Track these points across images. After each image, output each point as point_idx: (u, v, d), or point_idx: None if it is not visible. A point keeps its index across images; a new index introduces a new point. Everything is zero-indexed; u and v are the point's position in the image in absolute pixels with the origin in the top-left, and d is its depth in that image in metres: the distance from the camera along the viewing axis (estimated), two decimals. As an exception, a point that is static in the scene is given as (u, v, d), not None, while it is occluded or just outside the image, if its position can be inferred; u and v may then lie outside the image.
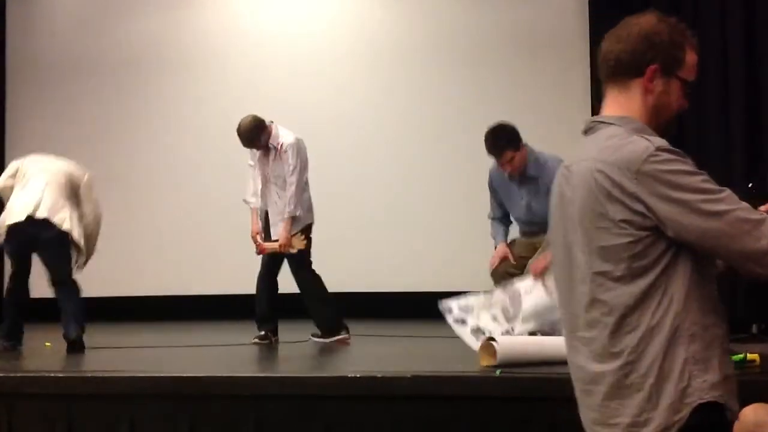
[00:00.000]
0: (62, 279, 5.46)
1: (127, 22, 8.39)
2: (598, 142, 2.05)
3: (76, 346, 5.34)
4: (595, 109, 7.15)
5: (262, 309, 5.70)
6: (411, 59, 7.96)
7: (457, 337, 5.56)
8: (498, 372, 3.84)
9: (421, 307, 7.42)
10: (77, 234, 5.49)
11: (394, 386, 3.83)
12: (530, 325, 4.69)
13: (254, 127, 5.66)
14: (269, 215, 5.77)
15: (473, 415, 3.74)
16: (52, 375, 4.15)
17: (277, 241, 5.64)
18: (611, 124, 2.08)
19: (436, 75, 7.89)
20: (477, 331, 4.67)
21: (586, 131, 2.14)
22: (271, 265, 5.74)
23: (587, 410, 2.11)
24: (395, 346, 5.45)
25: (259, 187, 5.77)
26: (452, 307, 4.69)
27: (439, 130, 7.85)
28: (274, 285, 5.76)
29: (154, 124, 8.28)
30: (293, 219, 5.63)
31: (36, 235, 5.38)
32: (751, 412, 2.88)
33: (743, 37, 6.59)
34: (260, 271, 5.78)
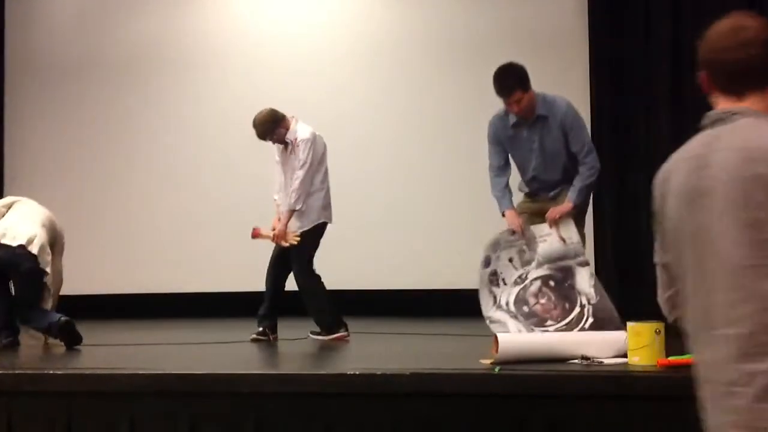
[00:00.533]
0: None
1: (126, 22, 8.39)
2: (741, 133, 1.96)
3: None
4: (595, 108, 7.17)
5: (264, 306, 5.69)
6: (410, 59, 7.96)
7: (455, 335, 5.59)
8: (497, 369, 3.84)
9: (422, 305, 7.50)
10: (49, 282, 5.58)
11: (394, 383, 3.83)
12: (543, 270, 4.83)
13: (268, 120, 5.68)
14: (280, 208, 5.77)
15: (473, 413, 3.74)
16: (52, 372, 4.15)
17: (274, 230, 5.66)
18: (748, 115, 2.00)
19: (435, 74, 7.90)
20: (493, 276, 4.95)
21: (714, 122, 2.05)
22: (279, 263, 5.72)
23: (725, 413, 1.95)
24: (395, 344, 5.45)
25: (282, 182, 5.78)
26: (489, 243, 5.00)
27: (438, 129, 7.85)
28: (281, 283, 5.74)
29: (153, 124, 8.28)
30: (292, 212, 5.63)
31: (19, 263, 5.42)
32: None
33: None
34: (268, 268, 5.75)
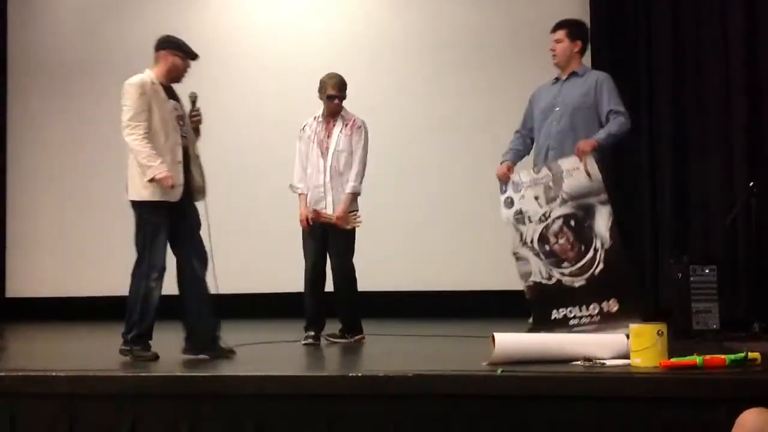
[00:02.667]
0: None
1: (128, 23, 8.38)
2: None
3: None
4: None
5: (310, 310, 5.60)
6: (414, 59, 7.96)
7: (459, 336, 5.59)
8: (499, 371, 3.84)
9: (426, 307, 7.50)
10: None
11: (396, 385, 3.83)
12: (566, 209, 4.92)
13: (344, 82, 5.71)
14: (326, 190, 5.58)
15: (475, 414, 3.74)
16: (54, 374, 4.15)
17: (332, 215, 5.54)
18: None
19: (439, 75, 7.90)
20: (519, 215, 5.06)
21: None
22: (317, 265, 5.62)
23: None
24: (398, 345, 5.46)
25: (315, 165, 5.61)
26: (512, 179, 5.14)
27: (446, 130, 7.83)
28: (323, 286, 5.67)
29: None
30: (354, 195, 5.58)
31: None
32: (750, 417, 2.83)
33: (744, 36, 6.60)
34: (307, 271, 5.64)
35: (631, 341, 4.02)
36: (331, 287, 5.69)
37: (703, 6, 6.84)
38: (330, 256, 5.66)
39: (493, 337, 4.13)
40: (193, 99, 5.01)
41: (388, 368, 4.06)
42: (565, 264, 4.93)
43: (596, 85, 5.17)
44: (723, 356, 3.87)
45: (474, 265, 7.26)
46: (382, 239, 7.70)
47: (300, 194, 5.70)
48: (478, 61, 7.82)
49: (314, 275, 5.61)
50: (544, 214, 4.98)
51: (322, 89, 5.69)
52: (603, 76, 5.26)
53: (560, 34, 5.26)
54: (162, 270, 4.80)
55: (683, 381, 3.69)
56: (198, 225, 4.91)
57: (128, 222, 8.08)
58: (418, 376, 3.88)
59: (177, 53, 4.96)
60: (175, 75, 4.97)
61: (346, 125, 5.65)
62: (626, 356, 4.05)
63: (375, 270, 7.56)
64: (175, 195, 4.77)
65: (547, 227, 4.98)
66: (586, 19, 7.32)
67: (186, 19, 8.23)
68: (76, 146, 8.43)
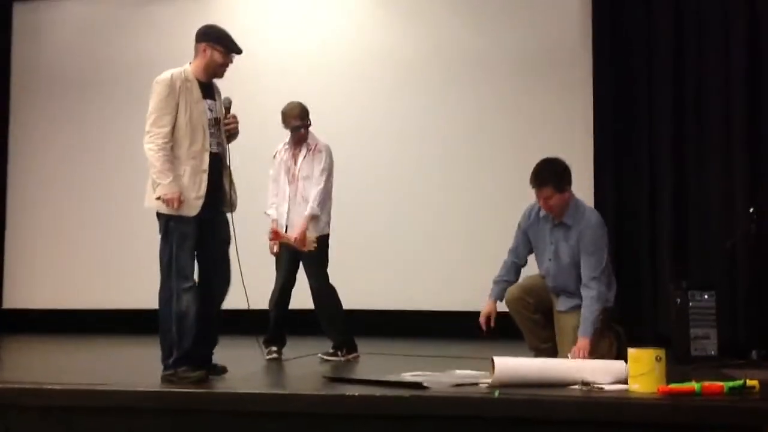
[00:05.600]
0: None
1: (132, 36, 8.41)
2: None
3: None
4: (597, 127, 7.18)
5: (272, 328, 5.71)
6: (415, 76, 7.96)
7: (459, 357, 5.58)
8: (497, 393, 3.83)
9: (425, 326, 7.49)
10: None
11: (393, 405, 3.83)
12: None
13: (303, 112, 5.73)
14: (290, 214, 5.70)
15: (471, 436, 3.73)
16: (50, 387, 4.14)
17: (289, 237, 5.62)
18: None
19: (441, 90, 7.89)
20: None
21: None
22: (284, 287, 5.72)
23: None
24: (398, 365, 5.43)
25: (283, 192, 5.72)
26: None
27: (444, 145, 7.83)
28: (287, 305, 5.75)
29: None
30: (313, 217, 5.62)
31: None
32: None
33: (747, 59, 6.61)
34: (273, 290, 5.74)
35: (630, 366, 4.01)
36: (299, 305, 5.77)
37: (707, 22, 6.83)
38: (307, 277, 5.73)
39: (492, 360, 4.12)
40: (228, 105, 4.65)
41: (386, 388, 4.05)
42: None
43: (579, 241, 4.96)
44: (721, 383, 3.86)
45: (480, 283, 7.22)
46: (387, 258, 7.70)
47: (272, 220, 5.80)
48: (480, 79, 7.83)
49: (279, 295, 5.72)
50: None
51: (285, 120, 5.77)
52: (588, 233, 4.97)
53: (547, 191, 4.93)
54: (194, 283, 4.43)
55: (681, 407, 3.68)
56: (225, 241, 4.60)
57: (127, 235, 8.16)
58: (415, 397, 3.87)
59: (217, 47, 4.54)
60: (213, 71, 4.57)
61: (310, 151, 5.75)
62: (625, 382, 4.04)
63: (376, 288, 7.60)
64: (195, 208, 4.42)
65: None
66: (588, 34, 7.36)
67: (189, 34, 8.25)
68: (76, 159, 8.44)
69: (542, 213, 5.11)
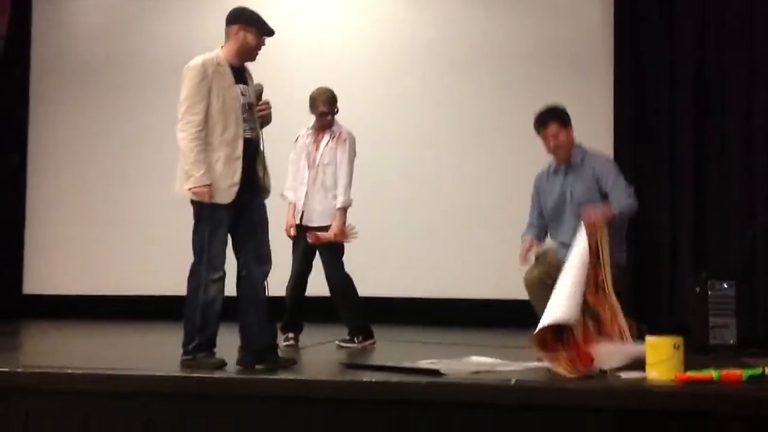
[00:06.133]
0: None
1: (151, 26, 8.44)
2: None
3: None
4: (617, 122, 7.14)
5: (288, 314, 5.70)
6: (431, 70, 7.93)
7: (476, 345, 5.57)
8: (513, 380, 3.83)
9: (444, 314, 7.49)
10: None
11: (408, 392, 3.83)
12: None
13: (334, 96, 5.70)
14: (308, 200, 5.67)
15: (487, 423, 3.73)
16: (70, 372, 4.17)
17: (329, 234, 5.60)
18: None
19: (456, 83, 7.88)
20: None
21: None
22: (300, 273, 5.71)
23: None
24: (414, 352, 5.42)
25: (302, 177, 5.71)
26: None
27: (457, 140, 7.83)
28: (303, 291, 5.74)
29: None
30: (345, 209, 5.63)
31: None
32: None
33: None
34: (290, 276, 5.72)
35: (648, 354, 3.99)
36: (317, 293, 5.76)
37: (729, 18, 6.78)
38: (323, 265, 5.73)
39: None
40: (259, 91, 4.54)
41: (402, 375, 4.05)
42: None
43: (597, 177, 4.96)
44: (739, 371, 3.84)
45: (497, 273, 7.20)
46: (406, 246, 7.70)
47: (289, 203, 5.77)
48: (498, 72, 7.80)
49: (295, 282, 5.71)
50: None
51: (313, 105, 5.72)
52: (600, 165, 5.03)
53: (554, 128, 4.98)
54: (223, 273, 4.38)
55: (699, 395, 3.66)
56: (262, 223, 4.49)
57: (146, 220, 8.20)
58: (430, 383, 3.87)
59: (250, 29, 4.42)
60: (246, 54, 4.46)
61: (333, 138, 5.72)
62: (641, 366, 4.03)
63: (392, 275, 7.61)
64: (228, 196, 4.34)
65: None
66: (610, 27, 7.31)
67: (208, 23, 8.25)
68: (95, 145, 8.48)
69: (551, 169, 5.12)
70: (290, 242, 5.79)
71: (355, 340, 5.64)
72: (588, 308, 4.52)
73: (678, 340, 3.96)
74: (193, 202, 4.39)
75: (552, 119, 5.01)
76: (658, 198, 6.96)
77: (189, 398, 4.00)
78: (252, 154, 4.42)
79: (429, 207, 7.81)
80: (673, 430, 3.60)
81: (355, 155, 5.74)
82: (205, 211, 4.34)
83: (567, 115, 5.08)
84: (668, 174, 6.96)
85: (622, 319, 4.50)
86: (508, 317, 6.79)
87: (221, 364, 4.30)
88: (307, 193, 5.70)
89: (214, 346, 4.38)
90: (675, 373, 3.86)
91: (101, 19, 8.61)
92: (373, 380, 3.93)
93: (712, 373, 3.79)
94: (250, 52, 4.48)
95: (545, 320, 4.31)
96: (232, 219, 4.38)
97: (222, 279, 4.37)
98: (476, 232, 7.62)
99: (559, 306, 4.34)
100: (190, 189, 4.29)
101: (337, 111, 5.75)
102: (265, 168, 4.52)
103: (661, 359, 3.91)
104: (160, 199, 8.31)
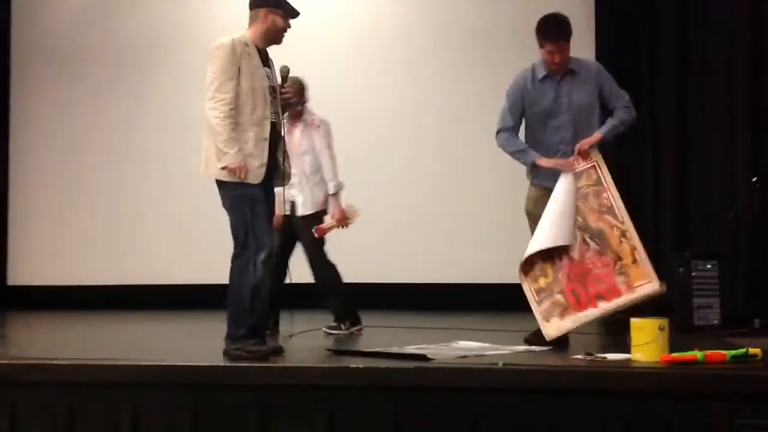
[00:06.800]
0: None
1: (132, 12, 8.37)
2: None
3: None
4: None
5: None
6: (416, 54, 7.91)
7: (463, 329, 5.59)
8: (501, 363, 3.85)
9: (434, 298, 7.50)
10: None
11: (397, 377, 3.84)
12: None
13: (302, 86, 5.65)
14: (290, 191, 5.61)
15: (475, 407, 3.75)
16: (55, 363, 4.16)
17: (332, 221, 5.65)
18: None
19: (444, 68, 7.86)
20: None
21: None
22: (281, 262, 5.63)
23: None
24: (402, 338, 5.44)
25: None
26: None
27: (454, 124, 7.81)
28: (284, 275, 5.68)
29: (159, 113, 8.25)
30: (338, 193, 5.65)
31: None
32: None
33: (750, 31, 6.58)
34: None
35: (633, 336, 4.02)
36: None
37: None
38: (306, 254, 5.73)
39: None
40: (285, 74, 4.49)
41: (390, 360, 4.06)
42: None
43: (598, 80, 4.97)
44: (724, 352, 3.87)
45: (497, 259, 7.21)
46: (392, 230, 7.70)
47: None
48: (481, 54, 7.79)
49: (274, 271, 5.64)
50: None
51: None
52: (599, 69, 5.06)
53: (567, 45, 4.88)
54: (271, 251, 4.28)
55: (684, 376, 3.69)
56: (272, 212, 4.46)
57: (132, 210, 8.16)
58: (419, 368, 3.89)
59: (278, 11, 4.38)
60: (273, 37, 4.41)
61: (307, 127, 5.71)
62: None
63: (388, 262, 7.61)
64: (258, 176, 4.25)
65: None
66: (591, 4, 7.31)
67: (192, 10, 8.22)
68: (79, 134, 8.42)
69: (540, 75, 4.97)
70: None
71: (342, 326, 5.64)
72: (589, 228, 4.65)
73: (663, 321, 3.98)
74: (223, 184, 4.27)
75: (569, 38, 4.89)
76: (641, 178, 6.98)
77: (176, 388, 3.99)
78: (275, 138, 4.36)
79: (413, 192, 7.81)
80: (658, 411, 3.63)
81: (332, 139, 5.72)
82: (239, 192, 4.23)
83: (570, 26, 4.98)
84: (651, 154, 6.98)
85: (635, 239, 4.59)
86: (494, 301, 6.82)
87: (278, 351, 4.24)
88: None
89: (264, 331, 4.32)
90: (660, 355, 3.89)
91: (82, 5, 8.53)
92: (361, 366, 3.93)
93: (697, 354, 3.82)
94: (277, 35, 4.43)
95: (532, 248, 4.47)
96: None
97: (270, 258, 4.28)
98: (461, 217, 7.64)
99: (544, 233, 4.56)
100: (224, 168, 4.18)
101: (307, 100, 5.71)
102: (285, 154, 4.46)
103: (646, 341, 3.94)
104: (147, 187, 8.30)
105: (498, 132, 5.05)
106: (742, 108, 6.59)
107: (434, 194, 7.78)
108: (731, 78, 6.68)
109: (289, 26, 4.44)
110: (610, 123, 4.94)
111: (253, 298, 4.21)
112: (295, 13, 4.45)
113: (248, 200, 4.23)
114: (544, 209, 4.81)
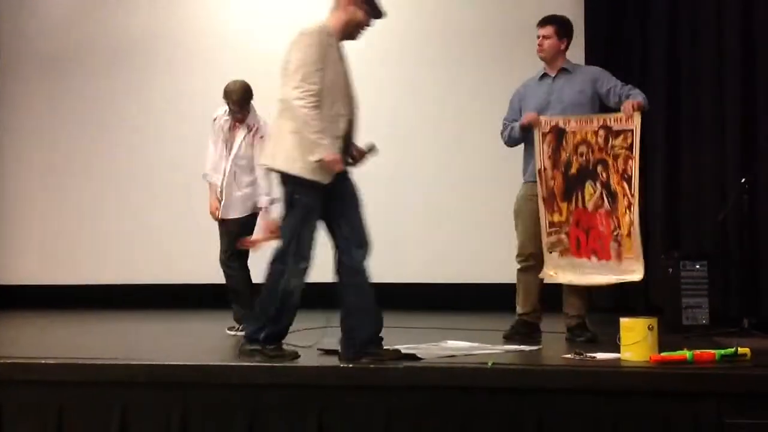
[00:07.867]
0: None
1: (120, 13, 8.32)
2: None
3: None
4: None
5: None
6: (420, 53, 7.85)
7: (452, 329, 5.59)
8: (490, 363, 3.85)
9: (421, 299, 7.49)
10: None
11: (386, 376, 3.85)
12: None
13: (249, 91, 5.47)
14: (225, 192, 5.57)
15: (465, 406, 3.75)
16: (44, 362, 4.14)
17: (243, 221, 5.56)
18: None
19: (440, 66, 7.82)
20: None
21: None
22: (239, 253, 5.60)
23: None
24: (391, 337, 5.44)
25: (219, 161, 5.60)
26: None
27: (455, 122, 7.76)
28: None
29: (147, 114, 8.21)
30: (269, 208, 5.51)
31: None
32: None
33: (740, 30, 6.59)
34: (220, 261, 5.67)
35: (622, 335, 4.03)
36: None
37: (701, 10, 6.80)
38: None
39: None
40: (370, 149, 4.37)
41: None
42: None
43: (594, 79, 5.11)
44: (713, 351, 3.89)
45: (496, 259, 7.21)
46: (378, 229, 7.66)
47: (210, 184, 5.66)
48: (472, 52, 7.79)
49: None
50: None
51: (226, 97, 5.49)
52: (597, 70, 5.24)
53: (549, 30, 5.16)
54: (309, 263, 4.11)
55: (673, 375, 3.71)
56: (356, 204, 4.23)
57: (117, 210, 8.13)
58: (409, 368, 3.89)
59: (363, 6, 4.09)
60: (351, 31, 4.13)
61: (250, 133, 5.54)
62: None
63: (391, 262, 7.58)
64: (329, 176, 4.04)
65: None
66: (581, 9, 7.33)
67: (180, 11, 8.18)
68: (66, 134, 8.37)
69: (539, 75, 5.24)
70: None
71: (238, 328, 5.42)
72: (609, 187, 4.87)
73: (652, 321, 4.00)
74: (286, 180, 4.08)
75: (551, 23, 5.17)
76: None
77: (165, 387, 3.98)
78: (348, 138, 4.16)
79: (406, 192, 7.78)
80: (648, 410, 3.64)
81: None
82: (298, 194, 4.05)
83: (569, 29, 5.23)
84: (640, 152, 6.96)
85: (635, 215, 4.77)
86: (483, 301, 6.82)
87: (296, 356, 4.10)
88: (224, 182, 5.57)
89: (284, 338, 4.17)
90: (649, 354, 3.91)
91: (69, 5, 8.49)
92: (351, 366, 3.93)
93: (686, 354, 3.84)
94: (355, 29, 4.16)
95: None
96: (323, 204, 4.10)
97: (307, 270, 4.11)
98: (452, 216, 7.62)
99: None
100: (318, 161, 3.95)
101: (249, 110, 5.51)
102: (352, 155, 4.27)
103: (635, 340, 3.95)
104: (133, 186, 8.26)
105: (501, 133, 5.33)
106: (732, 108, 6.60)
107: (429, 195, 7.75)
108: (722, 79, 6.68)
109: (369, 24, 4.16)
110: (638, 91, 5.04)
111: (280, 306, 4.08)
112: (380, 14, 4.18)
113: (305, 208, 4.06)
114: (530, 206, 5.04)
